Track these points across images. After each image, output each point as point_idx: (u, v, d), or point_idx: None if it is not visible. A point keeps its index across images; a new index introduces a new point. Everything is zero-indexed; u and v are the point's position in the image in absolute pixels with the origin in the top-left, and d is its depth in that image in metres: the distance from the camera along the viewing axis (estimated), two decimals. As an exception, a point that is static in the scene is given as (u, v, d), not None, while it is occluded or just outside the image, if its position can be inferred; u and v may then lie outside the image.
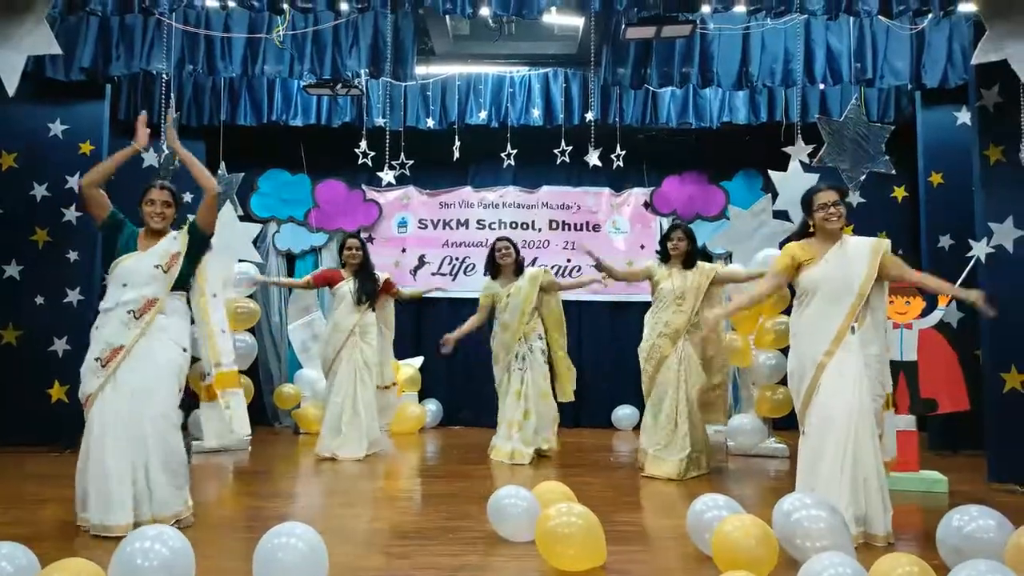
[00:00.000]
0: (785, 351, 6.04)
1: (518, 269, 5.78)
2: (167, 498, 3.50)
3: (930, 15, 5.20)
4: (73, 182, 5.93)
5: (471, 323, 5.89)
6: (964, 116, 5.96)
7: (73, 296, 5.84)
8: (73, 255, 5.90)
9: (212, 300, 3.85)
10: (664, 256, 5.35)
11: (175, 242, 3.71)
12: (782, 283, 3.79)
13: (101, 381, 3.48)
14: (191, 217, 3.89)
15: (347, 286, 5.68)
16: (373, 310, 5.76)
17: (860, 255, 3.58)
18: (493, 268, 5.83)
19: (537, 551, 3.14)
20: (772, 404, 6.05)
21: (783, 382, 6.04)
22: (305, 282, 5.99)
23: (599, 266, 5.29)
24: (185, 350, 3.65)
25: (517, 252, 5.83)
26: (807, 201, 3.74)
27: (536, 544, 3.11)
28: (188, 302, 3.78)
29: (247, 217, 7.25)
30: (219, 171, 6.48)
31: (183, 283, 3.72)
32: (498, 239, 5.88)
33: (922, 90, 6.10)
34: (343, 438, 5.56)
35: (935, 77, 5.82)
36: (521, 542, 3.38)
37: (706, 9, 5.01)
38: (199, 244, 3.76)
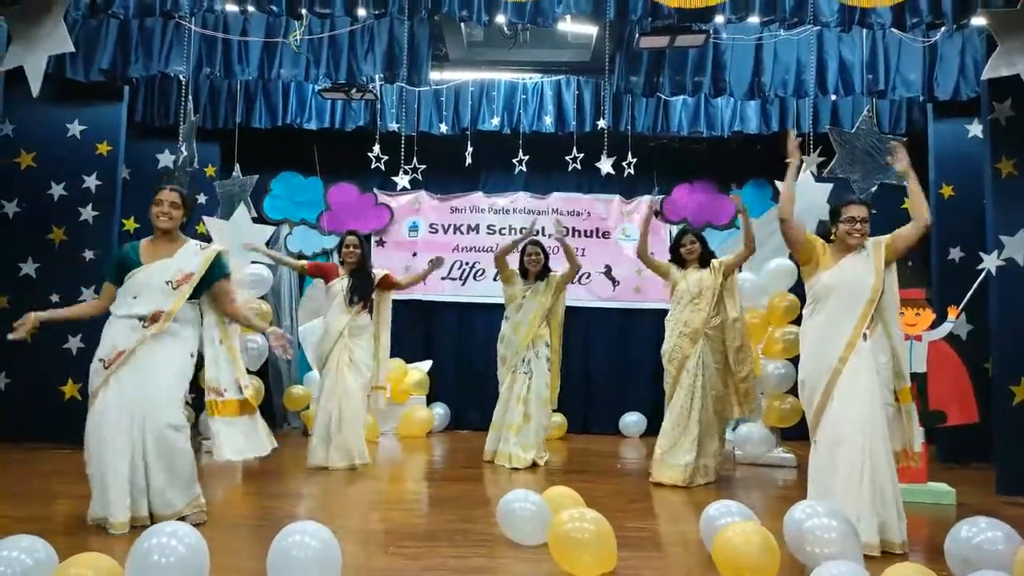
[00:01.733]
0: (793, 360, 6.08)
1: (543, 275, 5.79)
2: (169, 497, 3.51)
3: (943, 28, 5.20)
4: (90, 182, 5.99)
5: (505, 246, 5.80)
6: (976, 129, 5.98)
7: (88, 295, 5.90)
8: (89, 254, 5.95)
9: (230, 323, 3.90)
10: (679, 263, 5.39)
11: (193, 261, 3.64)
12: (799, 238, 3.66)
13: (101, 380, 3.51)
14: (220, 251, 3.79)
15: (340, 284, 5.47)
16: (369, 312, 5.53)
17: (870, 259, 3.61)
18: (521, 270, 5.83)
19: (545, 554, 3.16)
20: (780, 413, 6.05)
21: (791, 391, 6.04)
22: (300, 266, 5.84)
23: (649, 218, 5.53)
24: (192, 355, 3.65)
25: (546, 258, 5.83)
26: (835, 210, 3.74)
27: (549, 548, 3.13)
28: (200, 311, 3.75)
29: (260, 219, 7.30)
30: (234, 172, 6.54)
31: (194, 296, 3.68)
32: (529, 243, 5.84)
33: (934, 102, 6.10)
34: (333, 447, 5.31)
35: (947, 90, 5.83)
36: (529, 545, 3.39)
37: (720, 19, 5.04)
38: (215, 278, 3.72)
